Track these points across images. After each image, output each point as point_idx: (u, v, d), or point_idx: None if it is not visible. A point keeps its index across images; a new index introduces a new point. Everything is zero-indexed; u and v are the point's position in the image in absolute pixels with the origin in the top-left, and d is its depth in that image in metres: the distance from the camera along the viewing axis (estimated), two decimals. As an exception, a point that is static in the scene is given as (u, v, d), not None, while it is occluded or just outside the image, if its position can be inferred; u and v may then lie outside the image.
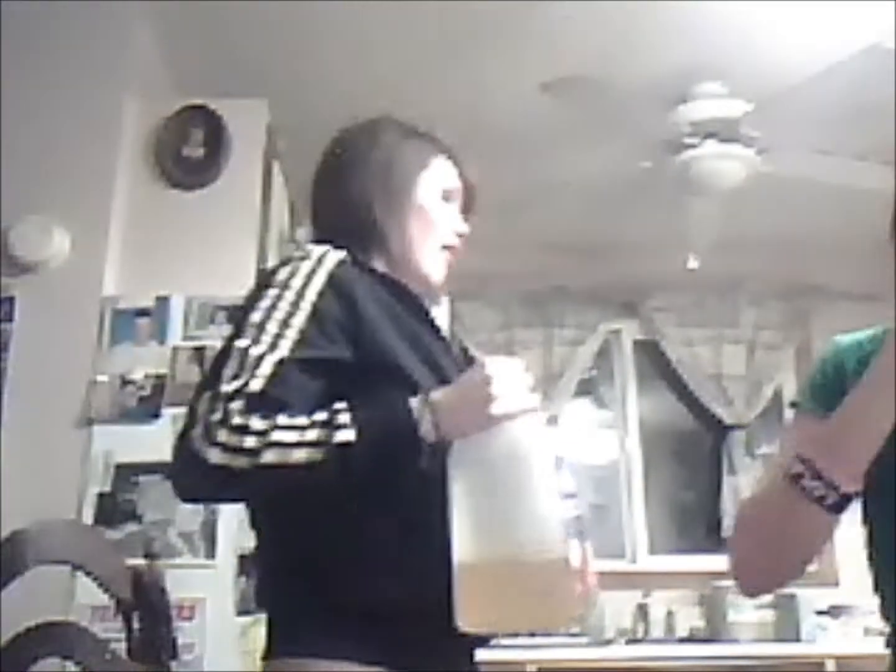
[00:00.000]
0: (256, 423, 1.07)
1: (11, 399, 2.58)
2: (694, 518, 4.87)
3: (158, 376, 2.63)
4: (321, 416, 1.09)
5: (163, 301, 2.73)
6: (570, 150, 3.74)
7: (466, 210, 1.48)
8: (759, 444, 4.90)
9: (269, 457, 1.06)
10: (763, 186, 3.58)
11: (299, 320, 1.16)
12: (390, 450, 1.09)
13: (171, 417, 2.56)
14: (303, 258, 1.24)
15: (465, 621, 1.05)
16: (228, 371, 1.13)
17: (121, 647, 1.52)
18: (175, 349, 2.66)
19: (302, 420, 1.08)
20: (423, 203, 1.40)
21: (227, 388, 1.10)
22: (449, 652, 1.20)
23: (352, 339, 1.18)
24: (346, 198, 1.38)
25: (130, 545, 2.38)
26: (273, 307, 1.18)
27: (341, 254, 1.27)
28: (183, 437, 1.10)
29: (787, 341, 4.87)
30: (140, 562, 1.85)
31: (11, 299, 2.67)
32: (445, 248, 1.42)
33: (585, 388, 4.92)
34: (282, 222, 3.42)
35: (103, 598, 1.57)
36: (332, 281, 1.21)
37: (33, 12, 2.86)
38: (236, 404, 1.08)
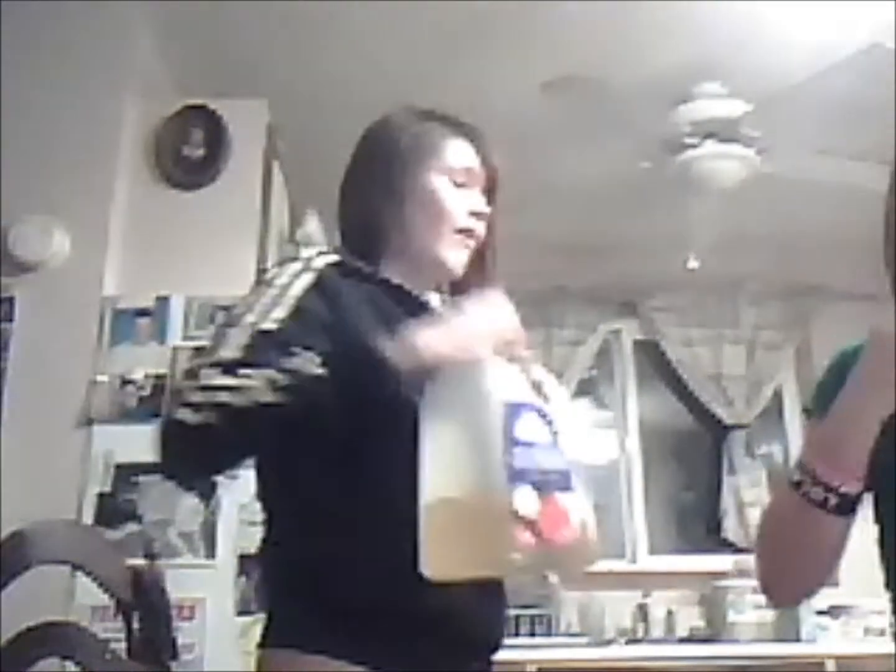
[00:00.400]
0: (225, 379, 1.10)
1: (11, 399, 2.58)
2: (694, 518, 4.87)
3: (158, 376, 2.63)
4: (290, 360, 1.11)
5: (163, 301, 2.73)
6: (570, 150, 3.74)
7: (488, 192, 1.42)
8: (759, 444, 4.90)
9: (239, 400, 1.08)
10: (763, 186, 3.58)
11: (278, 313, 1.18)
12: (360, 377, 1.11)
13: (171, 417, 2.56)
14: (293, 260, 1.28)
15: (425, 567, 1.04)
16: (204, 352, 1.17)
17: (121, 647, 1.52)
18: (175, 349, 2.66)
19: (270, 369, 1.10)
20: (431, 189, 1.36)
21: (198, 360, 1.15)
22: (448, 655, 1.19)
23: (331, 338, 1.18)
24: (353, 208, 1.39)
25: (130, 545, 2.38)
26: (255, 301, 1.21)
27: (332, 258, 1.29)
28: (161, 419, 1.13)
29: (787, 341, 4.87)
30: (140, 562, 1.85)
31: (11, 299, 2.67)
32: (461, 231, 1.36)
33: (585, 389, 4.92)
34: (282, 222, 3.42)
35: (103, 598, 1.57)
36: (318, 282, 1.23)
37: (33, 12, 2.86)
38: (207, 370, 1.12)
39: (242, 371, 1.10)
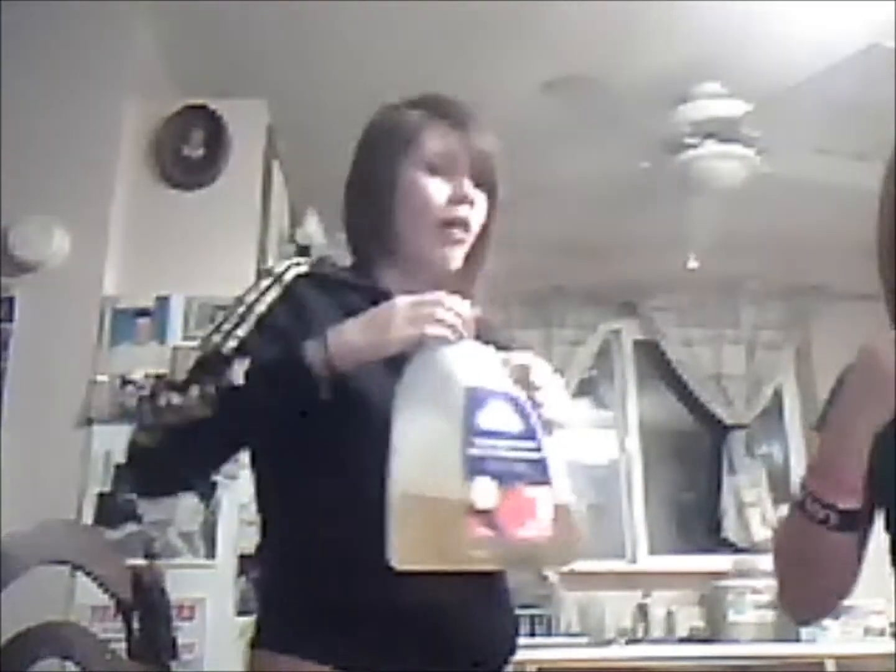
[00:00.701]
0: (170, 398, 1.15)
1: (11, 399, 2.58)
2: (694, 518, 4.88)
3: (158, 376, 2.63)
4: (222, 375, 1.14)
5: (163, 301, 2.73)
6: (570, 150, 3.74)
7: (478, 178, 1.30)
8: (759, 444, 4.91)
9: (180, 418, 1.13)
10: (763, 186, 3.58)
11: (242, 331, 1.20)
12: (281, 383, 1.13)
13: (171, 417, 2.56)
14: (267, 274, 1.27)
15: (391, 556, 1.02)
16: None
17: (121, 647, 1.52)
18: (175, 349, 2.66)
19: (207, 385, 1.14)
20: (408, 181, 1.28)
21: (158, 382, 1.23)
22: (427, 660, 1.15)
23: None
24: (346, 218, 1.36)
25: (130, 545, 2.38)
26: (224, 321, 1.23)
27: (303, 269, 1.28)
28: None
29: (787, 341, 4.88)
30: (140, 562, 1.85)
31: (11, 299, 2.67)
32: (446, 224, 1.27)
33: (585, 389, 4.92)
34: (282, 222, 3.42)
35: (103, 598, 1.57)
36: (285, 295, 1.23)
37: (33, 13, 2.86)
38: (161, 391, 1.17)
39: (185, 390, 1.14)
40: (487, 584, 1.22)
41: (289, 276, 1.25)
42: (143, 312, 2.71)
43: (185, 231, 2.84)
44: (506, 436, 1.06)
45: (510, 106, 3.41)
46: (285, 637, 1.17)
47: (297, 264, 1.29)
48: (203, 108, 2.97)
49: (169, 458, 1.16)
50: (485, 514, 1.01)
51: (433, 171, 1.28)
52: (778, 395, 4.94)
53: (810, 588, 1.14)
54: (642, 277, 4.74)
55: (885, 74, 2.85)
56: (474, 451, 1.03)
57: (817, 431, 1.23)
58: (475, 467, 1.02)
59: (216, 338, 1.20)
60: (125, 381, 2.62)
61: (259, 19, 3.07)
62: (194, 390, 1.13)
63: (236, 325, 1.21)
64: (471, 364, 1.11)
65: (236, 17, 3.06)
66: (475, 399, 1.06)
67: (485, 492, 1.02)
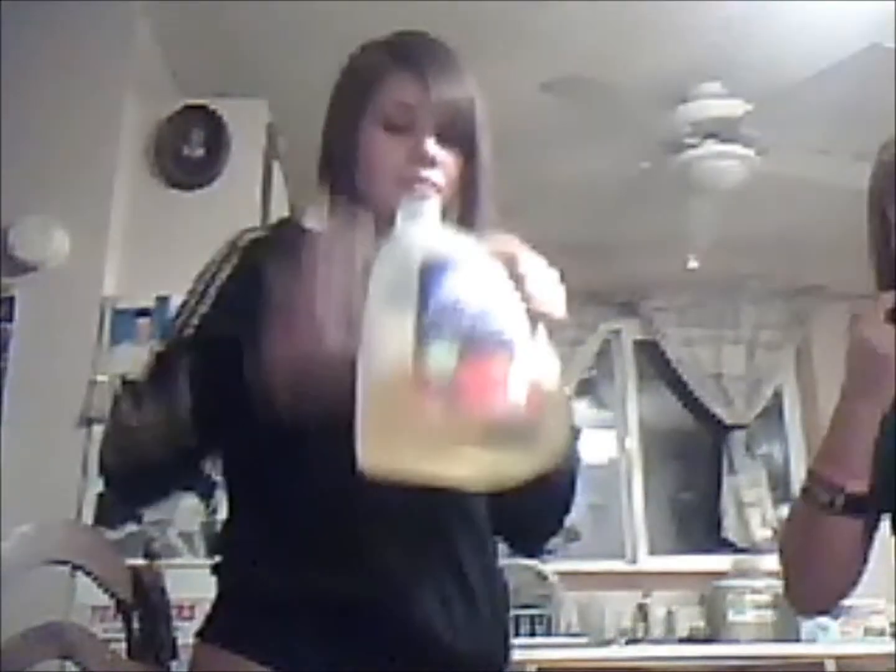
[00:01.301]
0: (129, 417, 1.12)
1: (11, 399, 2.58)
2: (694, 518, 4.87)
3: (124, 381, 2.62)
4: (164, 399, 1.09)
5: (163, 301, 2.73)
6: (570, 150, 3.74)
7: (446, 133, 1.15)
8: (759, 444, 4.91)
9: (120, 442, 1.12)
10: (763, 186, 3.58)
11: (203, 309, 1.15)
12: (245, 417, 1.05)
13: (171, 417, 2.56)
14: (225, 244, 1.21)
15: (361, 463, 0.92)
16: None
17: (121, 647, 1.52)
18: (175, 349, 2.66)
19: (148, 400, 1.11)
20: (365, 142, 1.16)
21: (125, 383, 1.17)
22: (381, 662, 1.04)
23: (254, 325, 1.04)
24: (319, 171, 1.25)
25: (130, 545, 2.38)
26: (187, 300, 1.18)
27: (259, 234, 1.20)
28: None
29: (787, 341, 4.87)
30: (140, 562, 1.85)
31: (11, 299, 2.67)
32: (407, 184, 1.12)
33: (585, 388, 4.92)
34: (282, 222, 3.42)
35: (103, 598, 1.57)
36: (241, 264, 1.16)
37: (33, 13, 2.86)
38: (122, 397, 1.15)
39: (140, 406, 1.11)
40: (474, 580, 1.12)
41: (243, 243, 1.18)
42: (143, 312, 2.71)
43: (185, 231, 2.84)
44: (468, 308, 0.94)
45: (510, 106, 3.41)
46: (232, 632, 1.09)
47: (253, 230, 1.21)
48: (203, 108, 2.97)
49: (138, 474, 1.12)
50: (442, 389, 0.90)
51: (391, 127, 1.15)
52: (778, 395, 4.93)
53: (815, 578, 1.15)
54: (642, 277, 4.73)
55: (884, 74, 2.85)
56: (430, 321, 0.92)
57: None
58: (431, 338, 0.91)
59: (178, 320, 1.16)
60: (125, 382, 2.61)
61: (259, 19, 3.07)
62: (148, 410, 1.10)
63: (198, 303, 1.16)
64: (431, 235, 1.00)
65: (236, 17, 3.06)
66: (435, 269, 0.95)
67: (440, 363, 0.91)
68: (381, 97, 1.16)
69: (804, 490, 1.11)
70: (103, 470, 1.14)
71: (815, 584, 1.16)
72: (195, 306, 1.16)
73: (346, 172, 1.16)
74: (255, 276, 1.07)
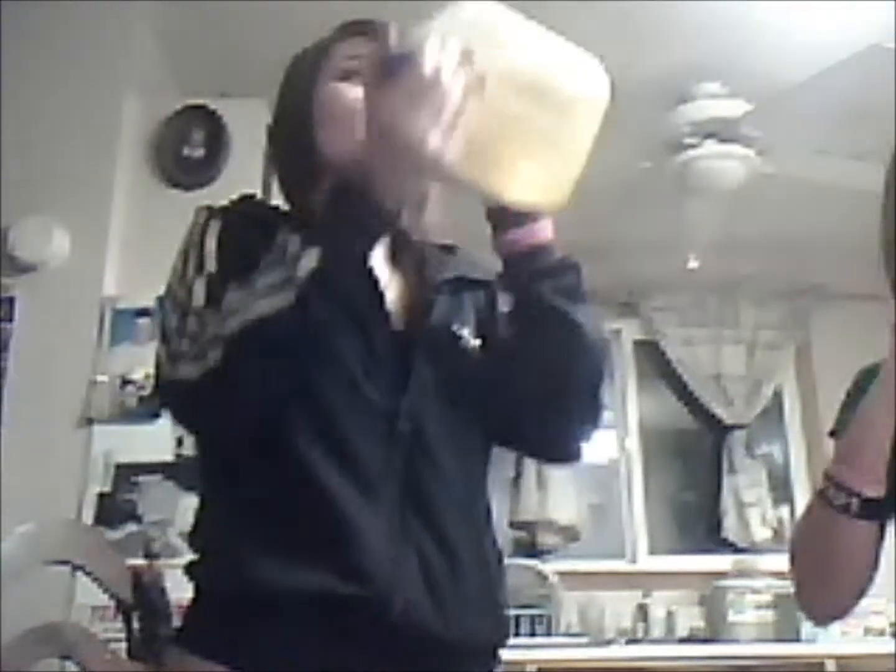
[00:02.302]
0: (206, 317, 1.00)
1: (11, 399, 2.58)
2: (694, 518, 4.87)
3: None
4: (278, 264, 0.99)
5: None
6: (570, 150, 3.74)
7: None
8: (759, 444, 4.91)
9: (232, 325, 0.96)
10: (763, 186, 3.58)
11: (211, 266, 1.10)
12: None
13: (171, 418, 2.56)
14: (198, 215, 1.19)
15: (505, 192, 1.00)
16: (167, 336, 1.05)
17: (121, 647, 1.52)
18: (175, 349, 2.66)
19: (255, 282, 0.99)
20: (323, 95, 1.18)
21: (170, 333, 1.04)
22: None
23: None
24: (272, 161, 1.28)
25: (130, 545, 2.38)
26: (179, 276, 1.12)
27: (230, 206, 1.20)
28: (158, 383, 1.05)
29: (787, 341, 4.88)
30: (140, 562, 1.85)
31: (11, 299, 2.67)
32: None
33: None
34: (282, 222, 3.42)
35: (103, 598, 1.57)
36: (224, 230, 1.14)
37: (34, 12, 2.86)
38: (190, 325, 1.02)
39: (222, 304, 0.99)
40: (462, 553, 1.07)
41: (219, 212, 1.17)
42: (143, 312, 2.71)
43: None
44: None
45: (510, 106, 3.41)
46: (209, 638, 1.05)
47: (218, 207, 1.20)
48: (203, 108, 2.97)
49: (232, 375, 0.97)
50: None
51: (345, 77, 1.17)
52: (778, 395, 4.94)
53: (829, 583, 1.15)
54: (642, 277, 4.73)
55: (884, 75, 2.85)
56: None
57: (832, 437, 1.24)
58: None
59: (188, 278, 1.08)
60: (125, 381, 2.62)
61: (259, 19, 3.07)
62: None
63: (199, 267, 1.09)
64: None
65: (236, 17, 3.06)
66: None
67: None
68: (335, 56, 1.21)
69: (820, 492, 1.09)
70: (176, 387, 1.01)
71: (829, 590, 1.16)
72: (198, 266, 1.09)
73: (307, 136, 1.16)
74: (241, 248, 1.06)
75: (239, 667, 1.00)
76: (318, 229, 1.00)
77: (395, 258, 1.20)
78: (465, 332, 1.17)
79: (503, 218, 1.14)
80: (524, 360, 1.13)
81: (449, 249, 1.24)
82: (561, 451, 1.23)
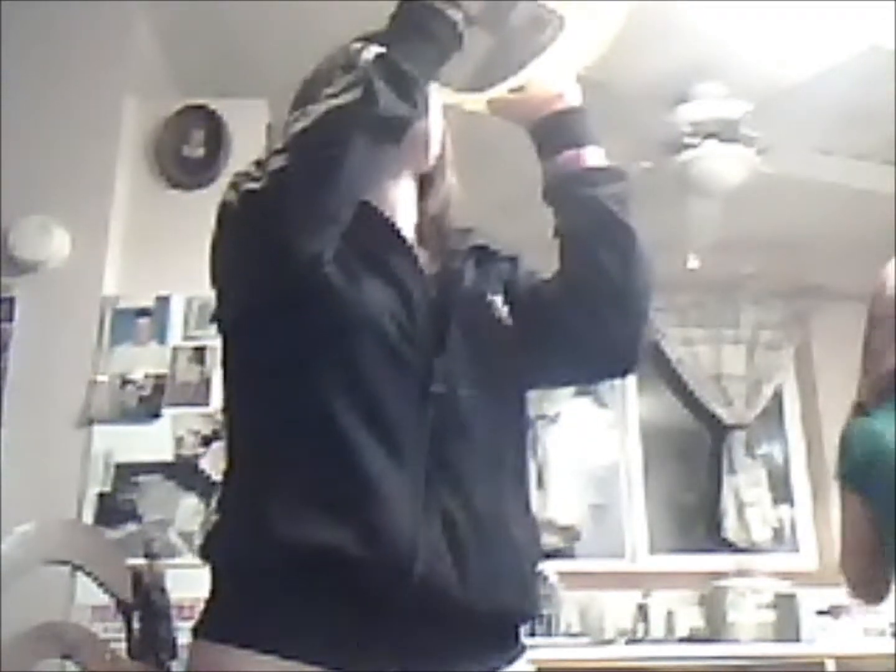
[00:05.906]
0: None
1: (11, 399, 2.58)
2: (694, 518, 4.87)
3: (158, 376, 2.63)
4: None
5: (163, 301, 2.73)
6: (570, 150, 3.74)
7: None
8: (759, 444, 4.91)
9: (303, 123, 1.05)
10: (763, 186, 3.58)
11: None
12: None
13: (171, 417, 2.56)
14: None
15: None
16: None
17: (121, 647, 1.52)
18: (175, 349, 2.66)
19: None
20: None
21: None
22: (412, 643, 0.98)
23: None
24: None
25: (130, 545, 2.37)
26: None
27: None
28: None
29: (787, 341, 4.87)
30: (140, 562, 1.85)
31: (11, 299, 2.67)
32: None
33: (585, 389, 4.92)
34: (282, 222, 3.42)
35: (103, 598, 1.58)
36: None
37: (33, 12, 2.86)
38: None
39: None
40: (487, 518, 1.05)
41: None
42: (143, 312, 2.71)
43: (185, 231, 2.83)
44: None
45: (510, 106, 3.41)
46: (231, 625, 1.01)
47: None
48: (203, 108, 2.97)
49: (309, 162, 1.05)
50: None
51: None
52: (778, 395, 4.93)
53: (879, 565, 1.20)
54: (642, 277, 4.73)
55: (884, 76, 2.85)
56: None
57: (842, 483, 1.25)
58: None
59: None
60: (125, 381, 2.62)
61: (259, 19, 3.07)
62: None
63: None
64: None
65: (236, 17, 3.06)
66: None
67: None
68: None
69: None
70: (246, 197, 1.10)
71: (878, 572, 1.20)
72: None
73: None
74: None
75: (273, 650, 0.97)
76: (386, 33, 1.08)
77: (421, 238, 1.23)
78: (497, 301, 1.20)
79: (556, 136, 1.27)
80: (583, 265, 1.19)
81: (467, 230, 1.29)
82: (624, 355, 1.23)
